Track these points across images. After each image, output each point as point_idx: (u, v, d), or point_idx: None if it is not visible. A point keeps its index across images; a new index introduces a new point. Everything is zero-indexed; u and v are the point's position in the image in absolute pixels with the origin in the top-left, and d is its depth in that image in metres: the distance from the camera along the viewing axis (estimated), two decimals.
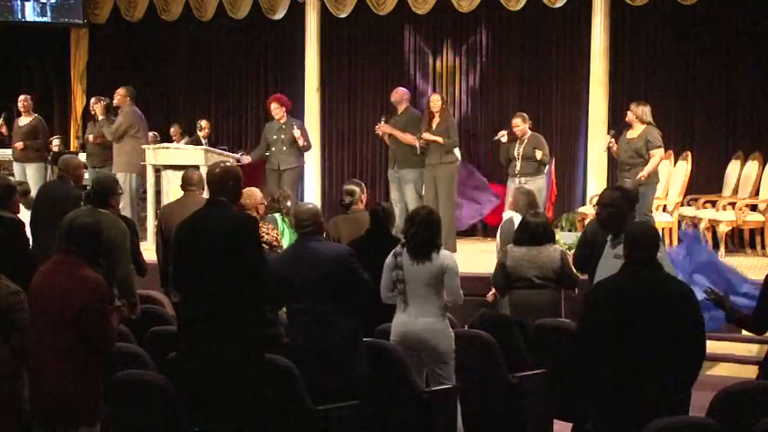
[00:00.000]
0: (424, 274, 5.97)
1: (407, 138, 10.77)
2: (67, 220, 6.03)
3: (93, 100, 11.80)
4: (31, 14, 14.01)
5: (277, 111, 11.11)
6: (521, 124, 10.43)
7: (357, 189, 7.85)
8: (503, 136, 10.49)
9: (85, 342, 4.85)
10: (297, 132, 10.92)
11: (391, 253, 6.11)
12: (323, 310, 5.55)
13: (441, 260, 6.00)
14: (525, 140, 10.41)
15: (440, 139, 10.58)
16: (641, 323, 4.58)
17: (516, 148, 10.41)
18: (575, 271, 7.16)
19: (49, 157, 11.84)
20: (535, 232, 7.01)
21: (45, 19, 14.10)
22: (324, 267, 5.58)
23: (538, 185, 10.14)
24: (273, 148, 11.04)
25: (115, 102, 11.28)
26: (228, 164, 5.55)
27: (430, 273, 5.97)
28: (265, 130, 11.24)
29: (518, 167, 10.33)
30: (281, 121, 11.12)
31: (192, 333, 5.07)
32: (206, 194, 8.45)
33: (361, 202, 7.81)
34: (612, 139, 9.77)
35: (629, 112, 9.66)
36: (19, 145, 11.53)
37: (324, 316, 5.55)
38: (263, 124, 11.62)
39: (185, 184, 8.04)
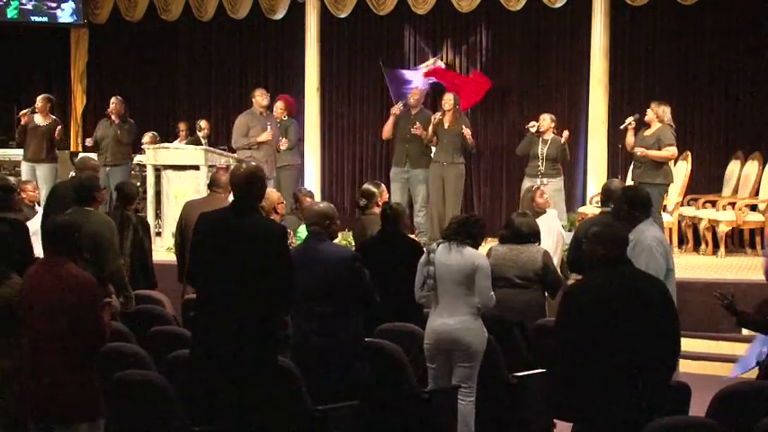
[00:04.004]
0: (454, 272, 5.95)
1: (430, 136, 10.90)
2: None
3: (114, 99, 11.75)
4: None
5: (281, 109, 11.22)
6: (546, 119, 10.59)
7: (375, 191, 7.70)
8: (532, 126, 10.63)
9: (78, 339, 4.85)
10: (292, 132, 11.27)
11: (426, 250, 6.12)
12: (325, 311, 5.54)
13: (472, 258, 5.99)
14: (549, 141, 10.49)
15: (468, 132, 10.64)
16: (619, 321, 4.55)
17: (540, 148, 10.47)
18: (559, 274, 7.14)
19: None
20: (518, 231, 6.95)
21: (44, 18, 14.10)
22: (327, 268, 5.56)
23: (557, 186, 10.29)
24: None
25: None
26: (252, 164, 5.34)
27: (461, 270, 5.94)
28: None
29: (541, 168, 10.42)
30: (282, 119, 11.21)
31: (209, 333, 5.01)
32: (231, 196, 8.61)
33: (378, 205, 7.54)
34: (634, 122, 9.63)
35: (648, 111, 9.64)
36: (39, 147, 11.38)
37: (326, 316, 5.54)
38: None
39: (212, 185, 8.05)
